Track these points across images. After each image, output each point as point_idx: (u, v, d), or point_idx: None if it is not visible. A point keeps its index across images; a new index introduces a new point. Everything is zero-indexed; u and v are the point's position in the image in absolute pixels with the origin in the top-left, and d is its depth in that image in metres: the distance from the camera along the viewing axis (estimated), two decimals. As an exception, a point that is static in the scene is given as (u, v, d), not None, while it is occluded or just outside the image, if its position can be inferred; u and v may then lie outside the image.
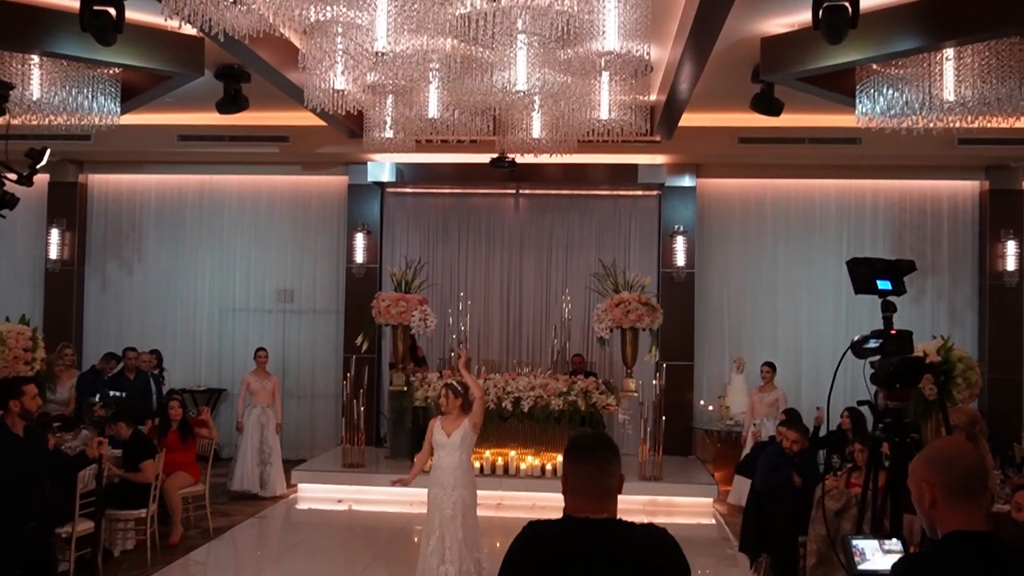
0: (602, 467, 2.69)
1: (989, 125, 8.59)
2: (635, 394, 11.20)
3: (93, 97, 8.87)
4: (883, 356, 3.13)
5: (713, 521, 10.01)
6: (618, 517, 2.69)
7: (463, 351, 7.89)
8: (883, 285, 3.19)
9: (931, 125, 8.46)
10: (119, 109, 9.19)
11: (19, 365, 8.49)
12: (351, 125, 10.89)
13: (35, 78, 8.62)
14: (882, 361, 3.13)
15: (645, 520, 2.73)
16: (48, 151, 4.57)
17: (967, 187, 12.87)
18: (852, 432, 8.57)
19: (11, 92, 4.63)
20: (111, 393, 10.54)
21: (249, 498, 10.54)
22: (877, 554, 2.79)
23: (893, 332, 3.11)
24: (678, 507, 10.13)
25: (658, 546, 2.64)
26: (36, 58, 8.52)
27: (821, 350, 12.79)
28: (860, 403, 3.48)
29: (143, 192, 13.82)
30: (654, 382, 11.02)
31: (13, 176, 4.51)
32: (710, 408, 12.37)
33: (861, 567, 2.77)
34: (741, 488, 9.77)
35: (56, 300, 13.59)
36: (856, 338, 3.22)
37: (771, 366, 11.09)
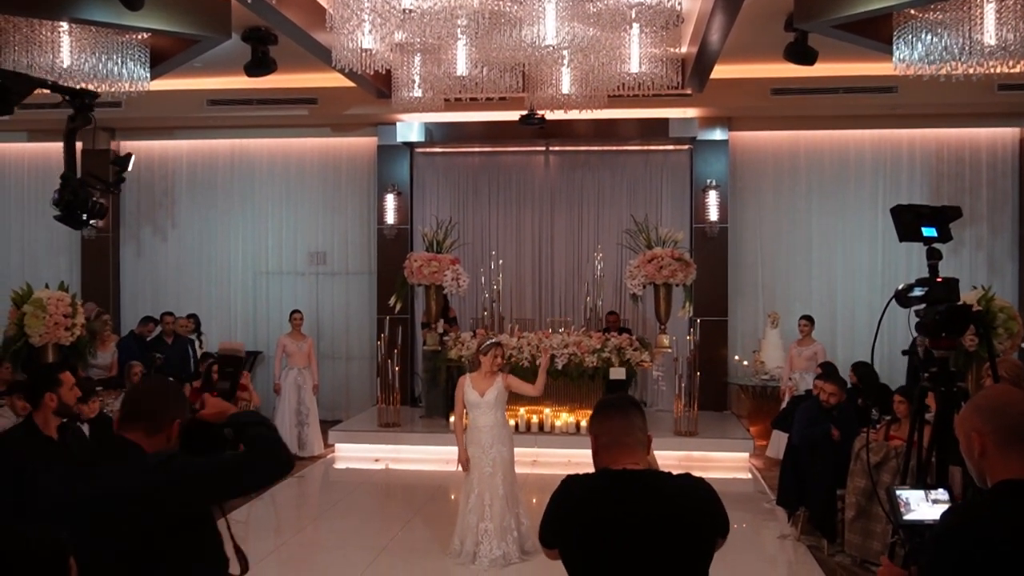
0: (632, 421, 2.76)
1: (1030, 70, 8.38)
2: (669, 350, 11.16)
3: (123, 63, 8.88)
4: (929, 304, 3.06)
5: (749, 476, 10.00)
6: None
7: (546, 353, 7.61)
8: (928, 232, 3.11)
9: (970, 71, 8.25)
10: (149, 75, 9.19)
11: (60, 331, 8.61)
12: (379, 85, 10.84)
13: (65, 45, 8.64)
14: (928, 309, 3.06)
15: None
16: (133, 157, 4.50)
17: (1007, 134, 12.61)
18: (859, 388, 8.51)
19: (95, 99, 4.50)
20: (155, 355, 10.71)
21: (288, 458, 10.65)
22: (923, 504, 2.75)
23: (939, 280, 3.04)
24: (714, 462, 10.12)
25: (697, 495, 2.68)
26: (65, 25, 8.53)
27: (856, 303, 12.67)
28: (903, 352, 3.42)
29: (175, 158, 13.89)
30: (688, 338, 10.99)
31: (100, 186, 4.42)
32: (745, 363, 12.32)
33: (907, 518, 2.74)
34: (779, 442, 9.75)
35: (92, 267, 13.76)
36: (901, 287, 3.15)
37: (809, 320, 11.00)
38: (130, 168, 4.59)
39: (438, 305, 11.59)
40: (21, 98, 3.98)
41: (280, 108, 12.35)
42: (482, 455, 6.85)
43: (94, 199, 4.41)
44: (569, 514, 2.69)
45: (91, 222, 4.48)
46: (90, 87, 8.93)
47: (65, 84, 8.78)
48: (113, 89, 8.99)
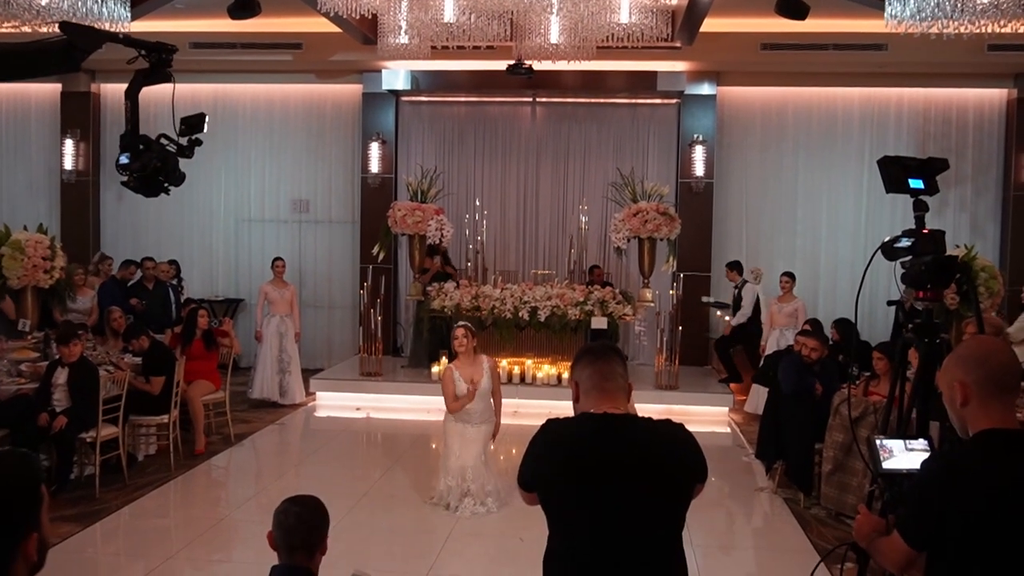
0: (613, 367, 2.75)
1: (1021, 30, 8.34)
2: (652, 304, 11.19)
3: (103, 2, 8.67)
4: (914, 256, 3.06)
5: (728, 430, 10.09)
6: None
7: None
8: (915, 184, 3.09)
9: (962, 29, 8.20)
10: (129, 15, 8.99)
11: (38, 274, 8.53)
12: (365, 31, 10.68)
13: (43, -19, 8.43)
14: (913, 261, 3.06)
15: None
16: (207, 117, 3.98)
17: (994, 95, 12.58)
18: (841, 345, 8.57)
19: (174, 54, 3.97)
20: (135, 300, 10.66)
21: (269, 406, 10.67)
22: (902, 453, 2.77)
23: (925, 231, 3.03)
24: (694, 416, 10.17)
25: (676, 440, 2.68)
26: (43, -40, 8.33)
27: (840, 260, 12.72)
28: (890, 303, 3.42)
29: (156, 101, 13.45)
30: (671, 292, 11.00)
31: (173, 148, 3.90)
32: (727, 319, 12.35)
33: (886, 466, 2.76)
34: (758, 397, 9.82)
35: (72, 211, 13.61)
36: (887, 239, 3.14)
37: (791, 276, 11.02)
38: (204, 129, 3.97)
39: (421, 254, 11.55)
40: (88, 53, 3.65)
41: (264, 53, 12.15)
42: (470, 427, 6.89)
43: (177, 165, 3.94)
44: (549, 456, 2.68)
45: (167, 187, 3.94)
46: (51, 29, 8.75)
47: (42, 23, 8.62)
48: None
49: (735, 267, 11.73)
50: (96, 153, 13.65)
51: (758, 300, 11.37)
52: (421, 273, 11.66)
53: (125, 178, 3.79)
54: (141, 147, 3.76)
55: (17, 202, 13.67)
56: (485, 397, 6.93)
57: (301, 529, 2.93)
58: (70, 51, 3.48)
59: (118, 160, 3.78)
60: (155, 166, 3.78)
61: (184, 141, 3.89)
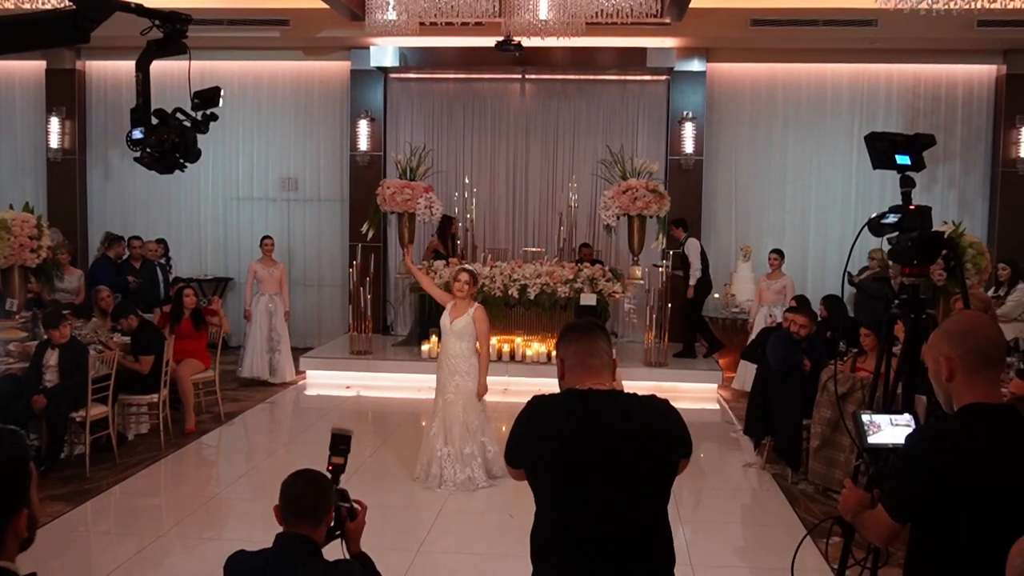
0: (597, 343, 2.76)
1: (1011, 6, 8.34)
2: (641, 281, 11.19)
3: (87, -23, 8.57)
4: (901, 232, 3.06)
5: (717, 406, 10.14)
6: None
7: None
8: (902, 160, 3.10)
9: (952, 5, 8.20)
10: (114, -11, 8.88)
11: (25, 253, 8.48)
12: (352, 7, 10.60)
13: (26, -43, 8.36)
14: (900, 237, 3.07)
15: None
16: (221, 91, 3.80)
17: (984, 71, 12.58)
18: (829, 321, 8.59)
19: (189, 24, 3.78)
20: (130, 279, 10.62)
21: (259, 384, 10.66)
22: (887, 428, 2.79)
23: (912, 207, 3.04)
24: (682, 393, 10.22)
25: (661, 415, 2.68)
26: (26, -65, 8.25)
27: (829, 237, 12.73)
28: (851, 282, 3.44)
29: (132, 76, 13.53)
30: (660, 270, 11.01)
31: (188, 123, 3.74)
32: (716, 296, 12.36)
33: (871, 440, 2.78)
34: (746, 374, 9.86)
35: (58, 190, 13.52)
36: (873, 215, 3.15)
37: (779, 253, 11.03)
38: (220, 104, 3.75)
39: (411, 232, 11.51)
40: (98, 23, 3.54)
41: (251, 29, 12.02)
42: (446, 381, 6.96)
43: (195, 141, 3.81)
44: (534, 433, 2.70)
45: (184, 164, 3.69)
46: (52, 3, 8.67)
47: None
48: (77, 5, 8.68)
49: (680, 224, 11.53)
50: (82, 131, 13.55)
51: (703, 251, 11.38)
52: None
53: (137, 154, 3.66)
54: (156, 122, 3.66)
55: (2, 181, 13.55)
56: (459, 339, 6.91)
57: (310, 495, 2.95)
58: (78, 21, 3.39)
59: (130, 135, 3.62)
60: (173, 142, 3.63)
61: (199, 115, 3.78)
